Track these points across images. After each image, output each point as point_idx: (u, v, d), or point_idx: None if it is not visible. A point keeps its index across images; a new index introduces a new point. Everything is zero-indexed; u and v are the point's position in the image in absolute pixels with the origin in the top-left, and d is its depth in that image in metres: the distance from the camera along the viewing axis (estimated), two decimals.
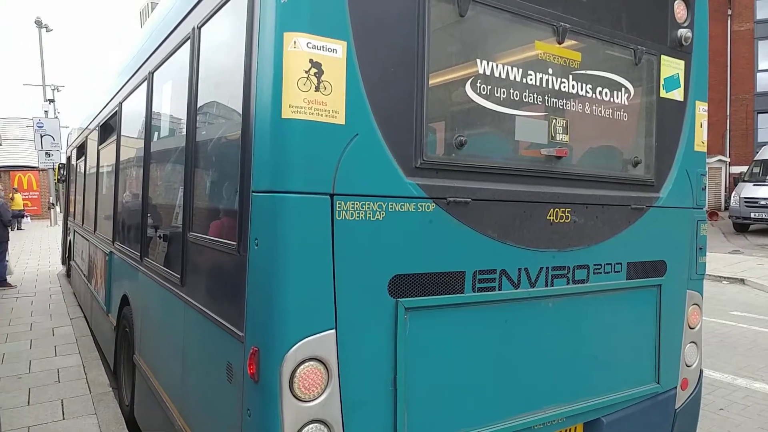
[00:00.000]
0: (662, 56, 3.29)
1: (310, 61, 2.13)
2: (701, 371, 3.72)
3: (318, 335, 2.18)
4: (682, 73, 3.40)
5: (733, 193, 20.27)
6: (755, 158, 21.24)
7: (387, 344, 2.36)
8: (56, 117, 25.26)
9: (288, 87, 2.10)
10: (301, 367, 2.16)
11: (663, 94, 3.32)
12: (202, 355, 2.97)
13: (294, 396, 2.16)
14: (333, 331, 2.22)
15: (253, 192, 2.23)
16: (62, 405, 5.06)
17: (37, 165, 22.45)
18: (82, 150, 9.27)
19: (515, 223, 2.71)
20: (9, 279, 11.41)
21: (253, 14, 2.28)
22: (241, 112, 2.37)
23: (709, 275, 11.71)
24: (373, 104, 2.27)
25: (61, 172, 13.90)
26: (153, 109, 4.19)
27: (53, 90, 36.19)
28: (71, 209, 11.29)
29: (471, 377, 2.62)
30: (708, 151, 3.81)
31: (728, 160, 27.33)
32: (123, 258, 5.11)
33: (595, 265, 3.05)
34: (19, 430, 4.55)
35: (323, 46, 2.15)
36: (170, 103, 3.90)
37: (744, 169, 22.38)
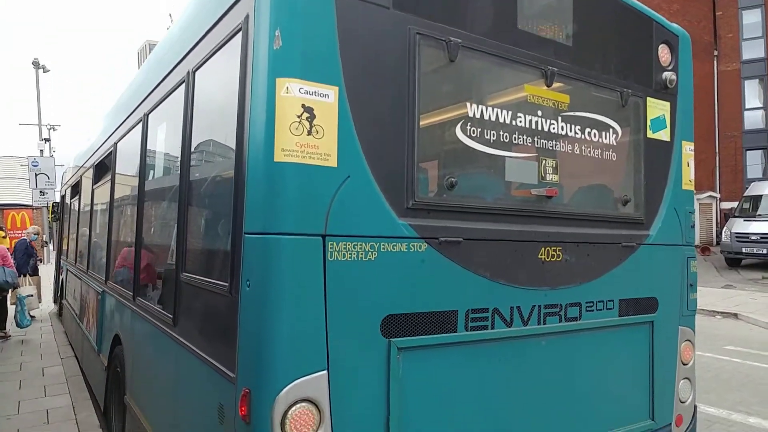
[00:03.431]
0: (648, 98, 3.38)
1: (303, 106, 2.18)
2: (695, 407, 3.71)
3: (310, 376, 2.18)
4: (668, 114, 3.48)
5: (725, 228, 20.39)
6: (745, 194, 21.44)
7: (380, 384, 2.35)
8: (51, 156, 25.32)
9: (280, 131, 2.14)
10: (293, 408, 2.14)
11: (650, 134, 3.39)
12: (193, 396, 2.95)
13: None
14: (325, 372, 2.21)
15: (245, 234, 2.25)
16: None
17: (31, 203, 22.40)
18: (76, 189, 9.28)
19: (507, 262, 2.74)
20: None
21: (247, 60, 2.34)
22: (234, 155, 2.40)
23: (703, 310, 11.72)
24: (365, 147, 2.31)
25: (55, 210, 13.87)
26: (147, 150, 4.23)
27: (49, 129, 36.41)
28: (64, 247, 11.25)
29: (465, 416, 2.60)
30: (698, 187, 3.89)
31: (719, 195, 27.59)
32: (115, 297, 5.08)
33: (587, 302, 3.06)
34: None
35: (315, 92, 2.20)
36: (165, 145, 3.94)
37: (734, 204, 22.57)
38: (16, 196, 33.77)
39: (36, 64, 28.02)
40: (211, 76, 2.94)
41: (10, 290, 10.23)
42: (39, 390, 6.72)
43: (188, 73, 3.16)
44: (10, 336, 10.01)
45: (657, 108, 3.42)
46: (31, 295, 11.25)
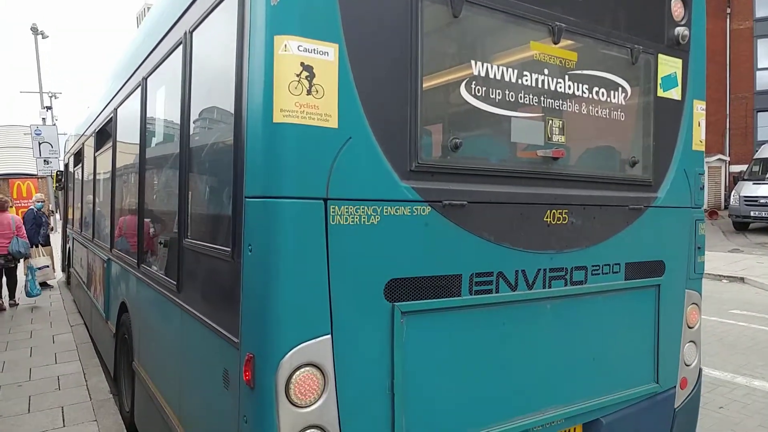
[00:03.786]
0: (659, 55, 3.27)
1: (302, 64, 2.11)
2: (700, 370, 3.70)
3: (313, 341, 2.16)
4: (680, 71, 3.38)
5: (733, 191, 20.25)
6: (755, 157, 21.21)
7: (384, 348, 2.34)
8: (54, 124, 25.24)
9: (279, 91, 2.08)
10: (297, 372, 2.14)
11: (660, 93, 3.30)
12: (198, 362, 2.95)
13: (290, 402, 2.14)
14: (329, 336, 2.20)
15: (246, 198, 2.21)
16: (63, 412, 5.04)
17: (35, 172, 22.44)
18: (79, 157, 9.26)
19: (512, 225, 2.69)
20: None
21: (244, 18, 2.26)
22: (233, 117, 2.35)
23: (709, 274, 11.72)
24: (366, 107, 2.25)
25: (60, 179, 13.89)
26: (147, 115, 4.18)
27: (50, 97, 36.23)
28: (69, 216, 11.30)
29: (469, 380, 2.60)
30: (708, 150, 3.80)
31: (728, 158, 27.30)
32: (121, 265, 5.09)
33: (593, 266, 3.03)
34: None
35: (315, 49, 2.13)
36: (164, 109, 3.88)
37: (744, 167, 22.35)
38: (21, 166, 33.81)
39: (34, 30, 27.73)
40: (208, 37, 2.86)
41: (22, 260, 10.34)
42: (50, 357, 6.82)
43: (185, 33, 3.08)
44: (18, 303, 10.18)
45: (668, 65, 3.32)
46: (47, 266, 11.44)
